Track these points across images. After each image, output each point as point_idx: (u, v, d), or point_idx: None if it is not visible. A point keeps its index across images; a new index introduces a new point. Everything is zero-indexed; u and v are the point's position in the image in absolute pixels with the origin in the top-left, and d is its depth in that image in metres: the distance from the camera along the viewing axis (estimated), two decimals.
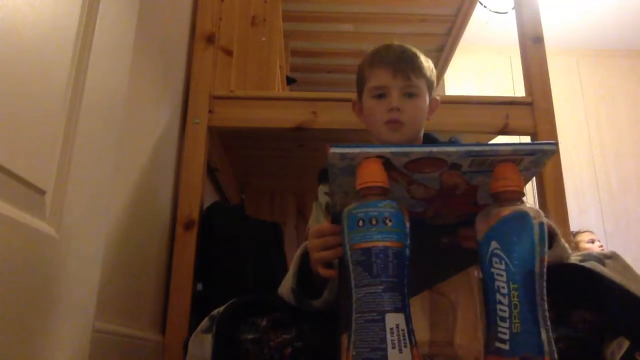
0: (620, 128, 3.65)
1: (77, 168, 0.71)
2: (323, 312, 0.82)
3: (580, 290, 0.75)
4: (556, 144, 0.61)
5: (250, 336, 0.80)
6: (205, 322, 0.84)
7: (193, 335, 0.85)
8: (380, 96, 1.00)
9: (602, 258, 0.79)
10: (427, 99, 1.03)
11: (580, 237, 2.89)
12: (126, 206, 1.01)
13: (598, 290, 0.73)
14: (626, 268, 0.78)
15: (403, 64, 1.00)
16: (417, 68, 1.01)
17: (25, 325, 0.61)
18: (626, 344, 0.77)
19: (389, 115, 0.98)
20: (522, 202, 0.59)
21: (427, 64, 1.05)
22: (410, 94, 1.00)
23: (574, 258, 0.80)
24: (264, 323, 0.81)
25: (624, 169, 3.56)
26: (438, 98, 1.09)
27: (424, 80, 1.02)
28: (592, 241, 2.88)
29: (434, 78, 1.07)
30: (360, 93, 1.07)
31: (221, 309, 0.84)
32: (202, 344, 0.82)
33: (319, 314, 0.82)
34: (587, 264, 0.76)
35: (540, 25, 1.52)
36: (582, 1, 3.36)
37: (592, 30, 3.62)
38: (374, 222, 0.56)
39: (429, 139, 1.07)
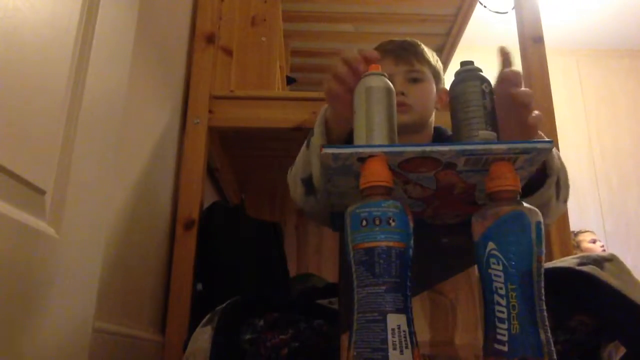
0: (620, 128, 3.65)
1: (77, 168, 0.71)
2: (321, 313, 0.82)
3: (578, 295, 0.74)
4: (552, 142, 0.60)
5: (247, 336, 0.80)
6: (207, 317, 0.84)
7: (194, 332, 0.85)
8: None
9: (602, 261, 0.78)
10: (434, 86, 1.03)
11: (581, 237, 2.88)
12: (126, 206, 1.01)
13: (595, 296, 0.72)
14: (625, 272, 0.76)
15: (405, 51, 1.02)
16: (419, 54, 1.03)
17: (25, 325, 0.61)
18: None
19: None
20: (519, 201, 0.58)
21: (430, 52, 1.06)
22: (415, 79, 1.00)
23: (572, 261, 0.79)
24: (261, 323, 0.81)
25: (624, 169, 3.56)
26: (447, 88, 1.08)
27: (428, 67, 1.03)
28: (594, 241, 2.87)
29: (440, 68, 1.07)
30: None
31: (225, 304, 0.84)
32: (201, 336, 0.82)
33: (316, 315, 0.82)
34: (585, 268, 0.75)
35: (540, 25, 1.52)
36: (582, 1, 3.36)
37: (592, 30, 3.62)
38: (377, 222, 0.56)
39: (439, 133, 1.06)
